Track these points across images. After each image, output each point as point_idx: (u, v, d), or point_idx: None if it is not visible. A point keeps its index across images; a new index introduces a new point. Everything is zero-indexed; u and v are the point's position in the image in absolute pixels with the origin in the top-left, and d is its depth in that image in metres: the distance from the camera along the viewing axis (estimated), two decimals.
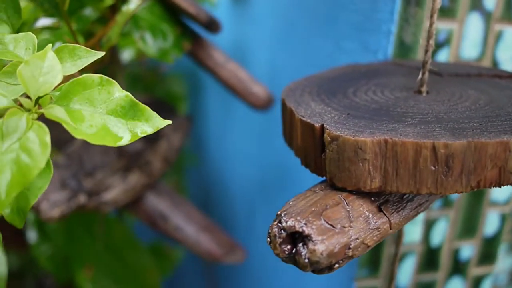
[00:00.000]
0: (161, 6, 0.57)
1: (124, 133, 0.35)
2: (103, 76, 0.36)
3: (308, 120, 0.41)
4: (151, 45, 0.55)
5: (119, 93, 0.36)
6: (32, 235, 0.89)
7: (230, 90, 0.62)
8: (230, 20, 0.88)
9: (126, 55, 0.82)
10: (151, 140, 0.69)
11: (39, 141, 0.32)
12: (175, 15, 0.58)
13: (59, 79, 0.34)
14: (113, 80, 0.36)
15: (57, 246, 0.90)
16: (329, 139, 0.39)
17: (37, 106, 0.34)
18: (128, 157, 0.66)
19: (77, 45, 0.37)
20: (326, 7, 0.62)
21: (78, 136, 0.34)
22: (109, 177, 0.65)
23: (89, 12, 0.58)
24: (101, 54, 0.37)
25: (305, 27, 0.68)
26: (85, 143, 0.67)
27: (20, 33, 0.40)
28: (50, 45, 0.36)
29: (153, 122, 0.37)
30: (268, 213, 0.84)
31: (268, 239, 0.39)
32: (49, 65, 0.34)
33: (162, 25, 0.56)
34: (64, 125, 0.33)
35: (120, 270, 0.83)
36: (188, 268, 1.15)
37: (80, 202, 0.63)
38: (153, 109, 0.37)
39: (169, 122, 0.37)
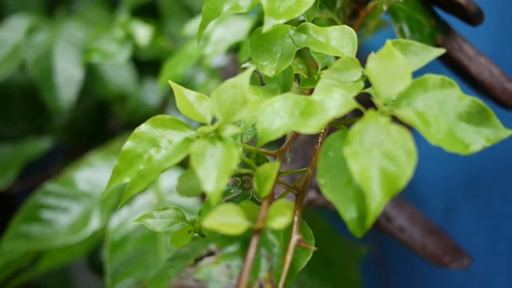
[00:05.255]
0: None
1: (473, 140, 0.32)
2: (445, 77, 0.33)
3: None
4: (408, 37, 0.52)
5: (462, 96, 0.33)
6: None
7: (478, 86, 0.57)
8: None
9: None
10: None
11: (403, 148, 0.29)
12: (429, 5, 0.55)
13: (408, 81, 0.32)
14: (455, 82, 0.33)
15: None
16: None
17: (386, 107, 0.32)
18: None
19: (410, 41, 0.35)
20: None
21: (432, 141, 0.31)
22: None
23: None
24: (440, 51, 0.35)
25: None
26: (308, 138, 0.66)
27: (333, 26, 0.38)
28: (389, 40, 0.34)
29: (497, 130, 0.33)
30: (476, 212, 0.78)
31: None
32: (396, 64, 0.32)
33: (418, 16, 0.53)
34: (418, 129, 0.31)
35: (321, 266, 0.82)
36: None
37: (310, 198, 0.61)
38: None
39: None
